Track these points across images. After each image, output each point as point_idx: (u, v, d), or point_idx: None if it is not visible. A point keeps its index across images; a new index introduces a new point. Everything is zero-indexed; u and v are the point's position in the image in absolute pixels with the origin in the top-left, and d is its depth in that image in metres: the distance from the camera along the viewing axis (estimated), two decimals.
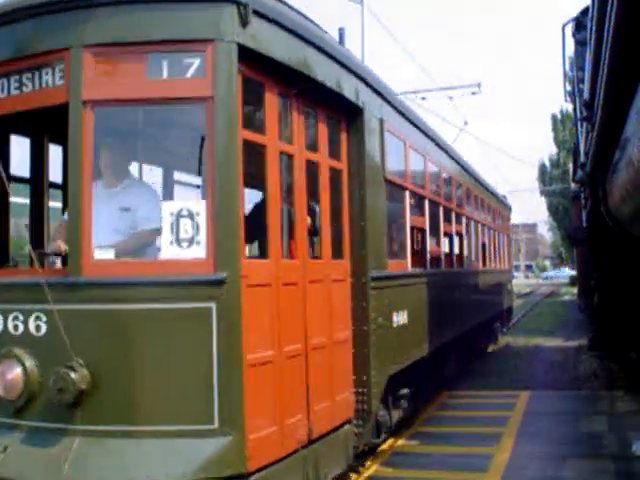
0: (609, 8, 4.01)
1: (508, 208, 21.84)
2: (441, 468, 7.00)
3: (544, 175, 64.55)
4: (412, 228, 8.78)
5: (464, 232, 12.43)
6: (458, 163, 12.29)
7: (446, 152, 11.14)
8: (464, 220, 12.50)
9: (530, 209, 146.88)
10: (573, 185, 22.71)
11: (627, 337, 11.79)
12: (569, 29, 11.36)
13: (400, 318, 7.46)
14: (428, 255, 9.30)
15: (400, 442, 8.12)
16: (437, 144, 10.36)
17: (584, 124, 8.66)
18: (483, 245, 14.97)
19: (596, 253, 14.65)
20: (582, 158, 10.21)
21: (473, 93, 26.28)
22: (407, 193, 8.32)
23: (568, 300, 41.18)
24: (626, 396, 10.45)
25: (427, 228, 9.35)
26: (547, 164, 65.17)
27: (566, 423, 8.85)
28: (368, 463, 7.22)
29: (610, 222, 8.40)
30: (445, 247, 11.06)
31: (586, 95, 7.17)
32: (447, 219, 10.97)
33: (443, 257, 10.42)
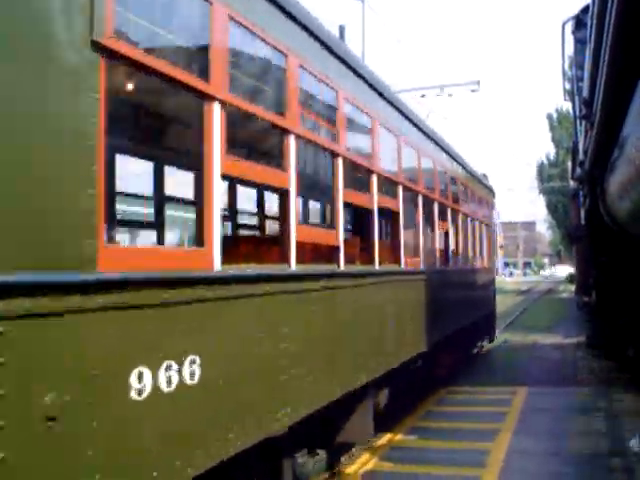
0: (610, 5, 4.05)
1: (491, 192, 17.32)
2: (439, 463, 7.04)
3: (542, 174, 64.64)
4: (239, 187, 5.28)
5: (402, 213, 8.05)
6: (399, 110, 8.13)
7: (363, 77, 6.67)
8: (402, 193, 8.02)
9: (529, 207, 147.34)
10: (572, 183, 22.77)
11: (625, 334, 11.86)
12: (569, 27, 11.41)
13: (166, 378, 3.44)
14: (292, 242, 5.02)
15: (398, 437, 8.17)
16: (341, 58, 6.08)
17: (583, 122, 8.70)
18: (446, 235, 10.99)
19: (594, 251, 14.71)
20: (581, 156, 10.25)
21: (472, 91, 26.42)
22: (217, 108, 4.06)
23: (566, 297, 41.28)
24: (623, 393, 10.50)
25: (292, 190, 4.97)
26: (545, 163, 65.28)
27: (563, 419, 8.89)
28: (366, 457, 7.27)
29: (608, 220, 8.44)
30: (359, 233, 7.77)
31: (585, 93, 7.20)
32: (360, 186, 6.87)
33: (343, 247, 6.01)
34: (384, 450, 7.60)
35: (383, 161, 7.35)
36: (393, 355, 7.47)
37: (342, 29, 8.10)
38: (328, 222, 6.42)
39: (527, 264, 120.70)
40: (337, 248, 5.92)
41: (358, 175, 6.75)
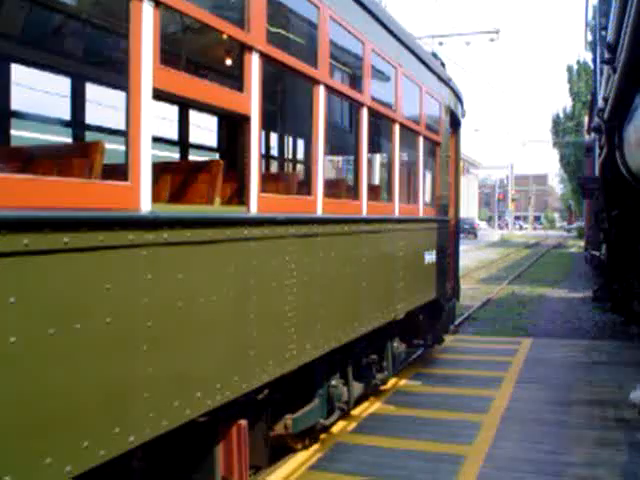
0: None
1: (451, 92, 9.52)
2: (442, 408, 7.11)
3: (557, 127, 63.81)
4: None
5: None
6: None
7: None
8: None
9: (542, 161, 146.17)
10: (587, 137, 22.47)
11: (632, 289, 11.82)
12: None
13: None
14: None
15: (402, 382, 8.24)
16: None
17: (605, 70, 8.48)
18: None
19: (607, 204, 14.55)
20: (600, 104, 10.03)
21: (491, 40, 25.81)
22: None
23: (575, 252, 41.25)
24: (627, 346, 10.54)
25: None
26: (561, 116, 64.35)
27: (566, 370, 8.94)
28: (370, 401, 7.35)
29: (624, 170, 8.30)
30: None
31: (610, 38, 6.99)
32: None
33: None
34: (388, 395, 7.67)
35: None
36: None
37: None
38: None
39: (537, 218, 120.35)
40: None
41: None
